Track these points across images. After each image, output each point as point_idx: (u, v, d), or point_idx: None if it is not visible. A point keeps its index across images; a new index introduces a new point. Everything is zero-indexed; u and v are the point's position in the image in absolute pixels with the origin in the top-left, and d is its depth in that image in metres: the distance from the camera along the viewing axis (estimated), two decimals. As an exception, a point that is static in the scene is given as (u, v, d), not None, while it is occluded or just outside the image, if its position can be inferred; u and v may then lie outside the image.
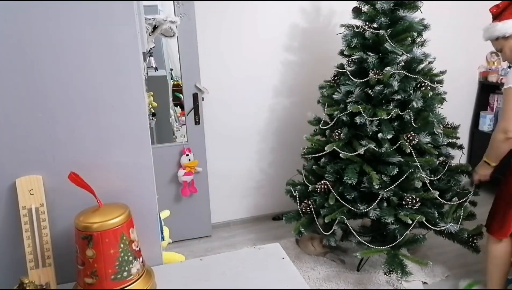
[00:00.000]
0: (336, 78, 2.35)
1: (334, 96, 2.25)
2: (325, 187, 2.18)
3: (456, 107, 3.21)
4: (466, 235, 2.11)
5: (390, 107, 2.10)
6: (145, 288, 0.82)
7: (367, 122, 2.09)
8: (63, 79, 0.83)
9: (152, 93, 2.59)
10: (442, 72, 2.25)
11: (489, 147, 1.94)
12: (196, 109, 2.77)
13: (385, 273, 2.03)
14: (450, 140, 2.27)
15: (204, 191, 2.91)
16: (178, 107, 3.07)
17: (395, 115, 2.07)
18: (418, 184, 2.11)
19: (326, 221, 2.11)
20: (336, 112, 2.23)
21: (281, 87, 3.03)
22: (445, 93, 2.28)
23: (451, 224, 2.05)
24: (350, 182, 2.05)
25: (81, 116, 0.85)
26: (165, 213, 1.30)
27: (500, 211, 1.97)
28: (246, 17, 2.81)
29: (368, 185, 2.08)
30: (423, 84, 2.11)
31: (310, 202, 2.28)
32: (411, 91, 2.10)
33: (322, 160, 2.29)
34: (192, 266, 0.98)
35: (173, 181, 2.81)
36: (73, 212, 0.81)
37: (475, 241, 2.10)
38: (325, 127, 2.33)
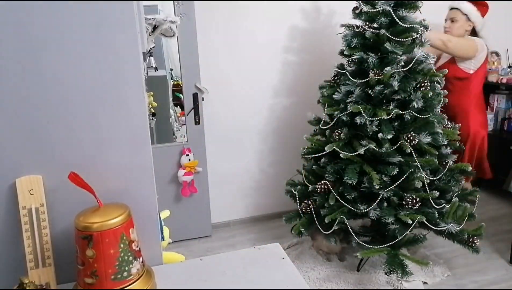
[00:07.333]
0: (336, 78, 2.35)
1: (334, 96, 2.25)
2: (325, 187, 2.18)
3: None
4: (466, 235, 2.11)
5: (390, 107, 2.10)
6: (145, 288, 0.82)
7: (367, 122, 2.08)
8: (63, 79, 0.83)
9: (152, 93, 2.59)
10: (442, 72, 2.25)
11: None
12: (196, 109, 2.77)
13: (385, 273, 2.03)
14: (450, 140, 2.27)
15: (204, 191, 2.91)
16: (178, 107, 3.07)
17: (395, 115, 2.07)
18: (418, 184, 2.11)
19: (326, 221, 2.11)
20: (336, 112, 2.23)
21: (281, 87, 3.03)
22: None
23: (451, 224, 2.05)
24: (350, 182, 2.05)
25: (81, 116, 0.85)
26: (165, 213, 1.30)
27: None
28: (246, 17, 2.81)
29: (368, 185, 2.08)
30: (423, 84, 2.11)
31: (310, 202, 2.28)
32: (411, 91, 2.10)
33: (322, 160, 2.29)
34: (192, 266, 0.97)
35: (173, 181, 2.81)
36: (73, 212, 0.81)
37: (475, 241, 2.10)
38: (325, 127, 2.33)
